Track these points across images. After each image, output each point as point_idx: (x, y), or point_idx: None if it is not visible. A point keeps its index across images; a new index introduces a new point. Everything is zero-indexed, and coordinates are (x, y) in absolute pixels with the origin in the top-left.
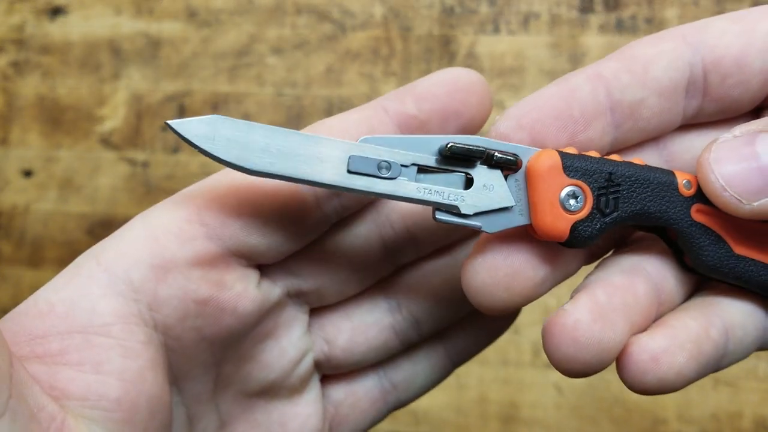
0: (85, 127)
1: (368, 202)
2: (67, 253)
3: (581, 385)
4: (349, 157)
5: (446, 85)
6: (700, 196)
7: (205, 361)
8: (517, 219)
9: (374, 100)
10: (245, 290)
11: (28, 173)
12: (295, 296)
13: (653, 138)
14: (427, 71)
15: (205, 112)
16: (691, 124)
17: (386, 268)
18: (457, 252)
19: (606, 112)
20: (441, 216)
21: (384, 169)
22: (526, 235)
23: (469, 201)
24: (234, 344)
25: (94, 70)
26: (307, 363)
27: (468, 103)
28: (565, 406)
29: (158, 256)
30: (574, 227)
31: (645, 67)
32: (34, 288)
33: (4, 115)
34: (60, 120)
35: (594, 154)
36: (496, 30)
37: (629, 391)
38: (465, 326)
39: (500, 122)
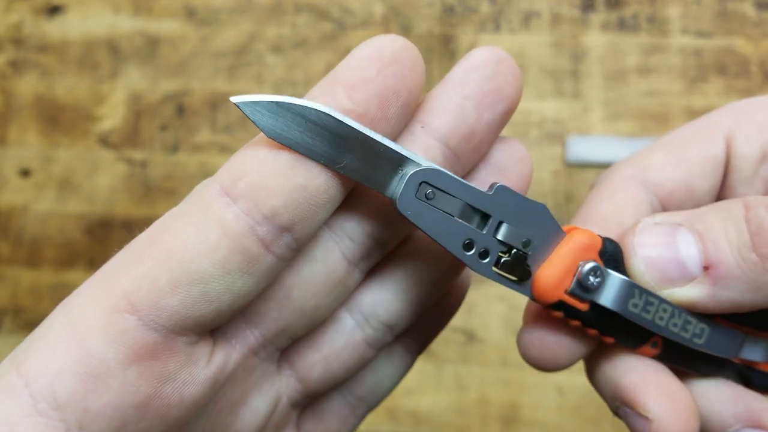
0: (84, 127)
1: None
2: (66, 254)
3: (582, 387)
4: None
5: (374, 64)
6: None
7: None
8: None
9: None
10: (191, 375)
11: (26, 173)
12: (261, 347)
13: None
14: (428, 71)
15: (204, 111)
16: None
17: (355, 280)
18: (413, 242)
19: None
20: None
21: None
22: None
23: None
24: (195, 425)
25: (93, 69)
26: (282, 408)
27: (402, 75)
28: (566, 408)
29: (85, 363)
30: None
31: (618, 222)
32: (33, 288)
33: (2, 114)
34: (58, 119)
35: None
36: (497, 29)
37: None
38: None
39: None
